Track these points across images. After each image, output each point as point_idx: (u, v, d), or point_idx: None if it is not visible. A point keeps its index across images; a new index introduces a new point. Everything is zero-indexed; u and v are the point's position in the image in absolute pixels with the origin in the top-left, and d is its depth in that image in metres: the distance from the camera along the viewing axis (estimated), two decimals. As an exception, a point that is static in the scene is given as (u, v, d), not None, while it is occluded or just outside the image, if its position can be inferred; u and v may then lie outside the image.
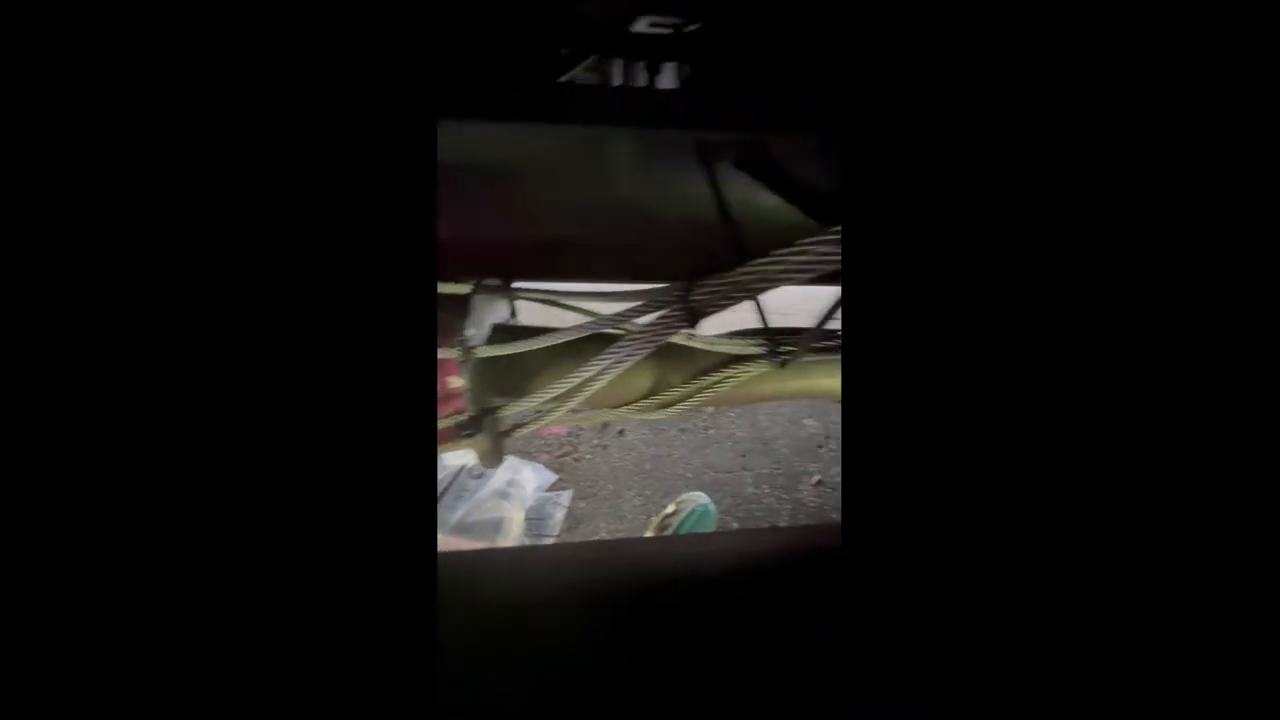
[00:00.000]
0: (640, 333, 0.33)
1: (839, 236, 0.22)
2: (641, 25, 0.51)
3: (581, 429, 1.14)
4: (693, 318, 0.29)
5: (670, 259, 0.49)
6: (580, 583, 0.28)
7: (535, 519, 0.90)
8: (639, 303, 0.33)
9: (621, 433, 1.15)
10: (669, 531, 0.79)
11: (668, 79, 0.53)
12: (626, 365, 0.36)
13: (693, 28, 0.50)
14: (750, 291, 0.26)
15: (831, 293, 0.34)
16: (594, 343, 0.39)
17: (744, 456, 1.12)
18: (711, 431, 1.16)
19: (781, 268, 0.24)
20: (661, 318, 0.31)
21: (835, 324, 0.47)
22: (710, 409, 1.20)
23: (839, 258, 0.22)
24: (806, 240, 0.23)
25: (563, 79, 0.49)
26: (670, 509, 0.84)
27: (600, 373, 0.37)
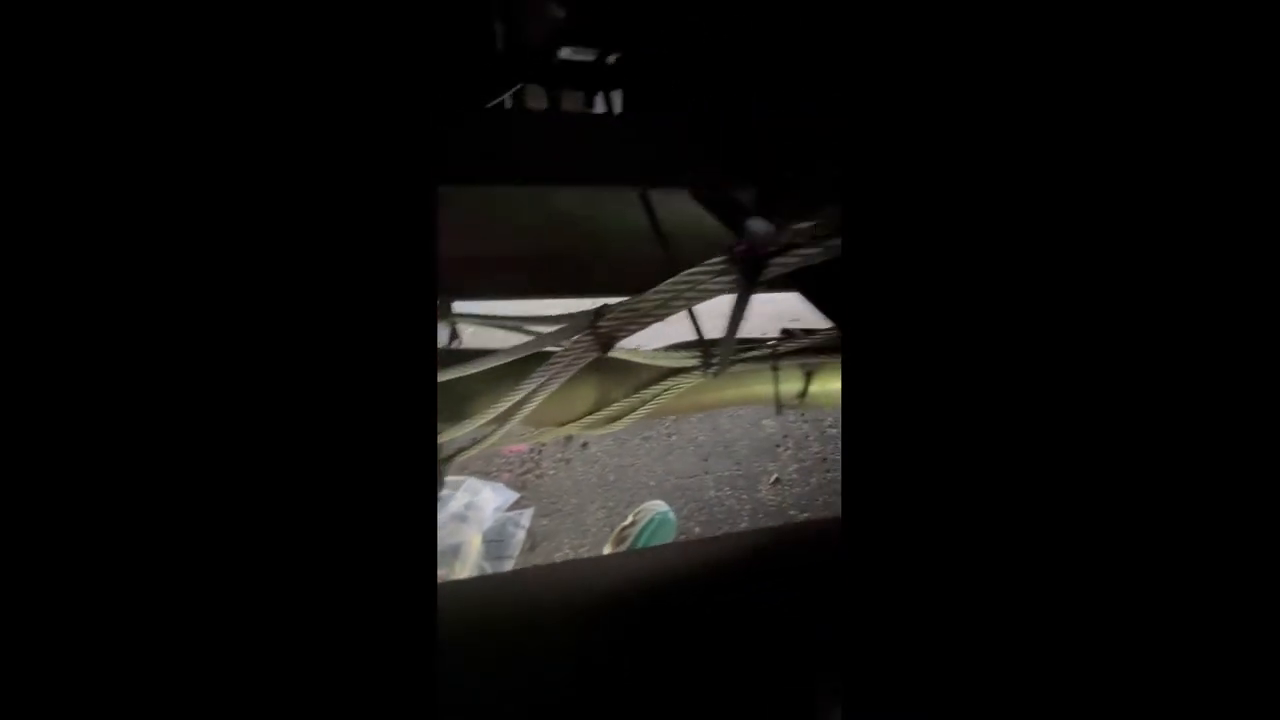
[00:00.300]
0: (558, 359, 0.33)
1: (721, 266, 0.24)
2: (563, 54, 0.52)
3: (544, 444, 1.13)
4: (603, 344, 0.30)
5: (603, 276, 0.50)
6: (552, 610, 0.27)
7: (494, 541, 0.88)
8: (557, 327, 0.34)
9: (585, 445, 1.15)
10: (627, 544, 0.79)
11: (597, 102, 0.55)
12: (551, 388, 0.37)
13: (613, 57, 0.51)
14: (654, 316, 0.27)
15: (752, 302, 0.36)
16: (529, 365, 0.39)
17: (706, 460, 1.14)
18: (674, 438, 1.18)
19: (671, 296, 0.25)
20: (574, 343, 0.32)
21: (755, 332, 0.49)
22: (672, 417, 1.21)
23: (729, 282, 0.24)
24: (692, 271, 0.24)
25: (492, 103, 0.49)
26: (628, 520, 0.85)
27: (528, 397, 0.38)
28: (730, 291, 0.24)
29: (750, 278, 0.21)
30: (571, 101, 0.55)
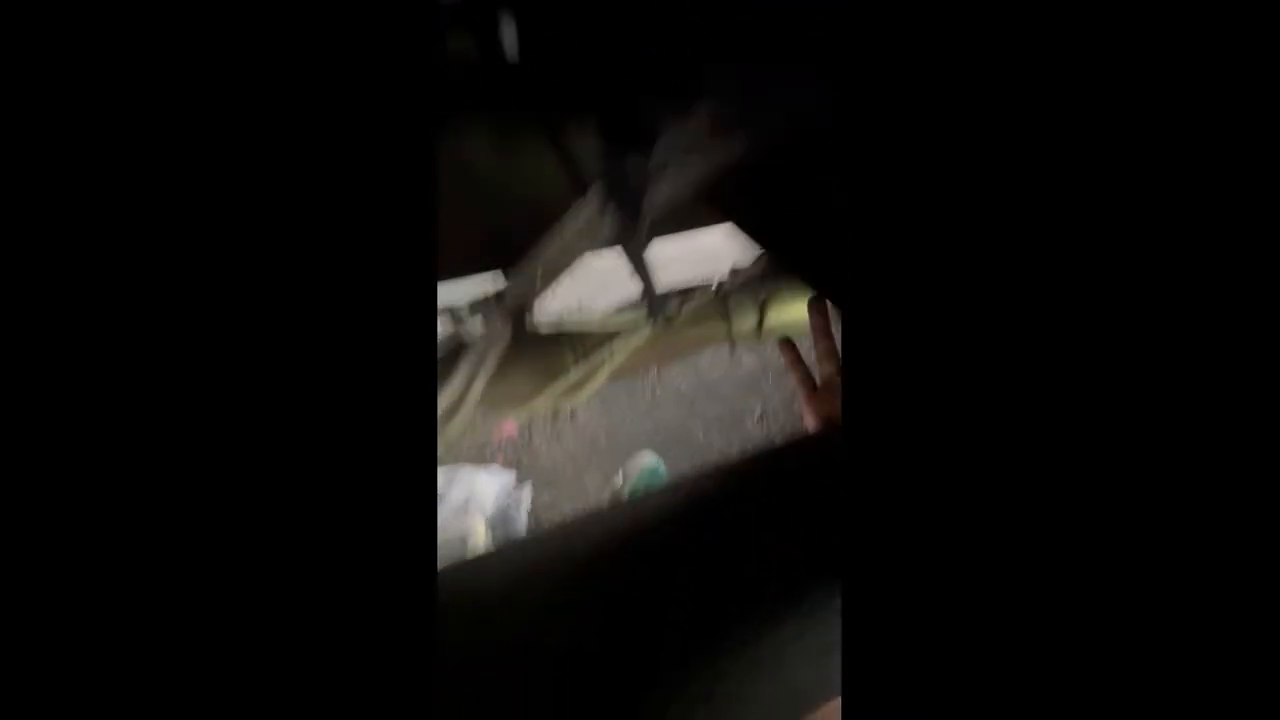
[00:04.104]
0: (480, 341, 0.32)
1: (600, 204, 0.21)
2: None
3: (533, 422, 1.13)
4: (515, 317, 0.28)
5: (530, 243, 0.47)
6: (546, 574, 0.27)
7: (499, 523, 0.90)
8: (468, 310, 0.32)
9: (573, 415, 1.15)
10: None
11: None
12: (488, 372, 0.36)
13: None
14: (559, 269, 0.25)
15: (660, 248, 0.33)
16: (452, 356, 0.38)
17: (692, 406, 1.15)
18: (659, 391, 1.18)
19: (563, 248, 0.23)
20: (491, 322, 0.30)
21: (678, 277, 0.47)
22: (654, 370, 1.21)
23: (618, 215, 0.22)
24: (573, 212, 0.22)
25: None
26: (618, 480, 0.87)
27: (467, 385, 0.37)
28: (626, 227, 0.22)
29: (627, 208, 0.19)
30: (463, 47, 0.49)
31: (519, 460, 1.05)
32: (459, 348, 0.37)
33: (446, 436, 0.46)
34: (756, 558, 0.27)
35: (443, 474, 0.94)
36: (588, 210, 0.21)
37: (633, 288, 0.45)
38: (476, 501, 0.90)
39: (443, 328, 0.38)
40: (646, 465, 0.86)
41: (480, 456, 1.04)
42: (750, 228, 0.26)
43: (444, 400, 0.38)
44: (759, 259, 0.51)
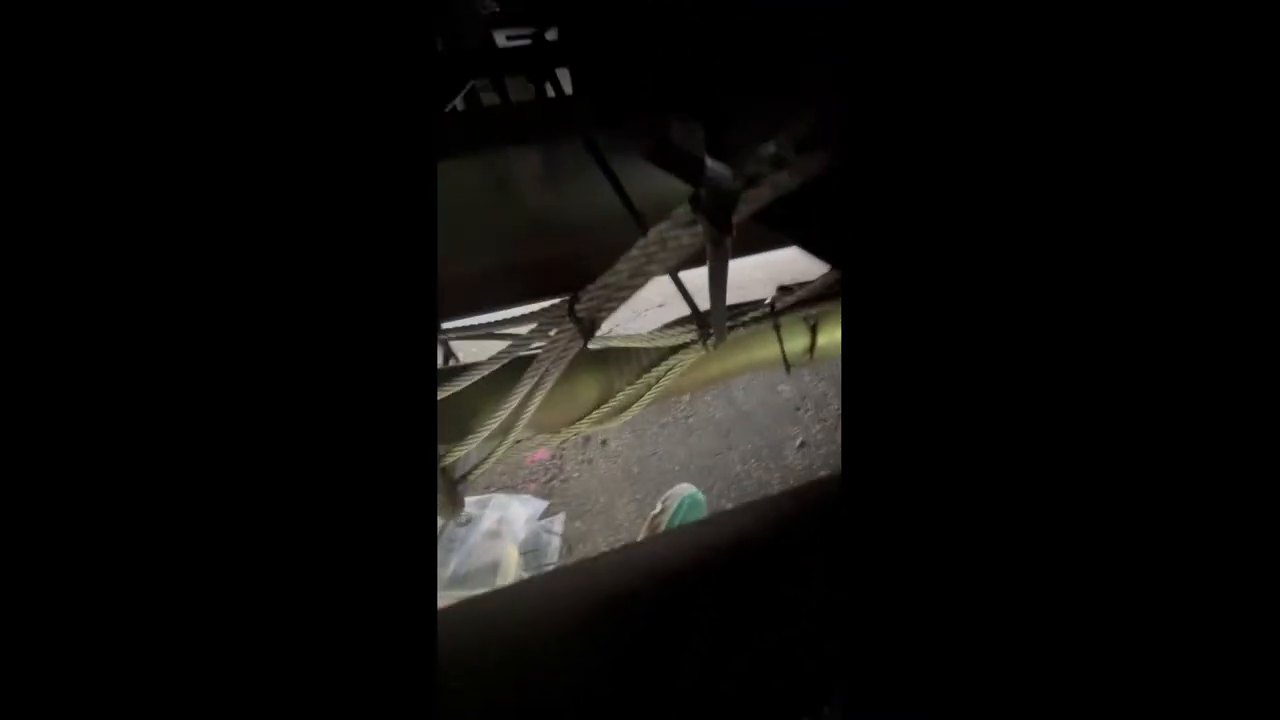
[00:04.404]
0: (544, 356, 0.32)
1: (689, 217, 0.22)
2: (500, 41, 0.50)
3: (564, 449, 1.13)
4: (587, 329, 0.28)
5: (588, 266, 0.48)
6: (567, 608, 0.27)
7: (531, 551, 0.88)
8: (534, 325, 0.32)
9: (604, 443, 1.14)
10: (660, 531, 0.78)
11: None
12: (546, 387, 0.36)
13: (551, 34, 0.49)
14: (631, 287, 0.25)
15: (747, 268, 0.34)
16: (518, 369, 0.38)
17: (727, 435, 1.12)
18: (692, 419, 1.16)
19: (644, 260, 0.23)
20: (556, 336, 0.30)
21: (739, 298, 0.47)
22: (687, 397, 1.20)
23: (698, 239, 0.22)
24: (660, 227, 0.22)
25: (447, 108, 0.47)
26: (658, 508, 0.84)
27: (525, 401, 0.36)
28: (705, 242, 0.22)
29: (720, 220, 0.19)
30: (520, 90, 0.53)
31: (550, 488, 1.04)
32: (519, 363, 0.37)
33: (498, 455, 0.46)
34: (792, 597, 0.26)
35: (475, 501, 0.94)
36: (684, 218, 0.21)
37: (670, 311, 0.44)
38: (508, 526, 0.88)
39: (504, 344, 0.38)
40: (687, 495, 0.83)
41: (511, 483, 1.03)
42: (817, 244, 0.26)
43: (501, 415, 0.38)
44: (809, 279, 0.51)
